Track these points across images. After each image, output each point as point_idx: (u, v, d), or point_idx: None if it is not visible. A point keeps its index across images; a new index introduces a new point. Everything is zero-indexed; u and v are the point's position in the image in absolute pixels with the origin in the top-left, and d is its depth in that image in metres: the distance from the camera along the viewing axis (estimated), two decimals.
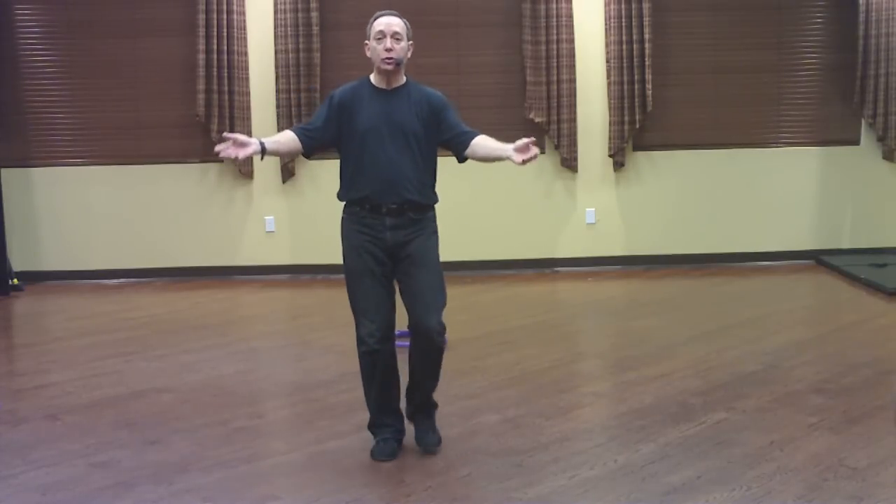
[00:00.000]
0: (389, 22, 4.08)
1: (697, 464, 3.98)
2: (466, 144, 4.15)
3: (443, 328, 4.09)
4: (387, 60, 4.06)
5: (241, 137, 3.96)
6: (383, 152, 4.07)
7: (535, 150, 3.94)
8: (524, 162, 3.95)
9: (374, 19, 4.13)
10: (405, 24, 4.13)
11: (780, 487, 3.72)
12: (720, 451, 4.12)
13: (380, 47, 4.05)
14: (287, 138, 4.16)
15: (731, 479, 3.81)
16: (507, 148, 4.03)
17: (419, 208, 4.12)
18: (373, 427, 4.25)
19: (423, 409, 4.30)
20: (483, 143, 4.14)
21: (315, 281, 8.35)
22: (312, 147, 4.21)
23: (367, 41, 4.14)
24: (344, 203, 4.21)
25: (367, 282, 4.08)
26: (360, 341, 4.10)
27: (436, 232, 4.21)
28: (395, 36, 4.05)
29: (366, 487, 3.85)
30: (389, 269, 4.13)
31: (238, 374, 5.58)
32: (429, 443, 4.23)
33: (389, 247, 4.10)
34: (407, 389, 4.29)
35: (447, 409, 4.68)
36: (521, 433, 4.41)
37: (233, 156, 3.92)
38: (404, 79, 4.19)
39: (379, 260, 4.10)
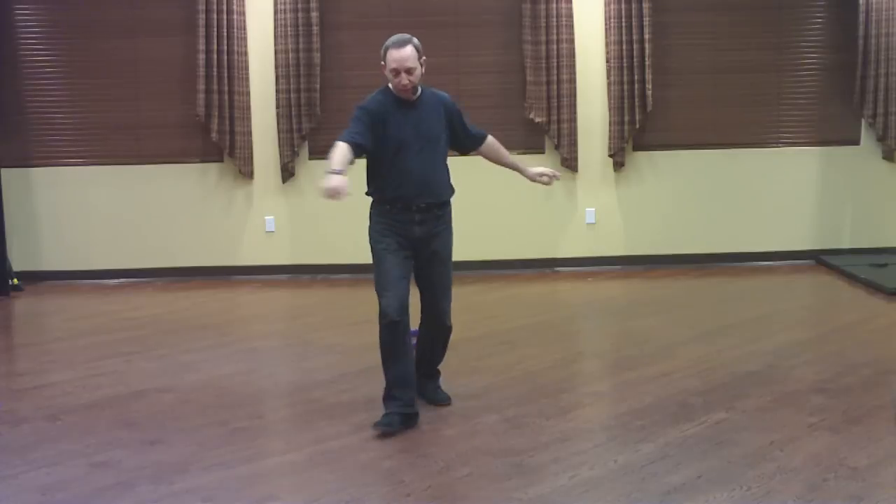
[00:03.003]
0: (402, 58, 4.40)
1: (697, 464, 3.98)
2: (479, 144, 4.87)
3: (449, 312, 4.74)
4: (404, 91, 4.48)
5: (332, 186, 4.08)
6: (415, 160, 4.50)
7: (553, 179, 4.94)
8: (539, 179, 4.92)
9: (387, 50, 4.44)
10: (415, 49, 4.45)
11: (780, 487, 3.72)
12: (720, 451, 4.12)
13: (396, 80, 4.44)
14: (345, 152, 4.30)
15: (731, 479, 3.81)
16: (522, 165, 4.92)
17: (443, 204, 4.64)
18: (385, 399, 4.55)
19: (430, 376, 4.87)
20: (496, 148, 4.91)
21: (315, 281, 8.35)
22: (361, 152, 4.50)
23: (383, 62, 4.47)
24: (372, 199, 4.62)
25: (391, 262, 4.50)
26: (383, 314, 4.43)
27: (450, 223, 4.73)
28: (409, 71, 4.42)
29: (366, 487, 3.85)
30: (411, 254, 4.57)
31: (238, 374, 5.58)
32: (440, 398, 4.81)
33: (416, 238, 4.56)
34: (416, 363, 4.74)
35: (447, 408, 4.69)
36: (521, 433, 4.41)
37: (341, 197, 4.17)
38: (420, 88, 4.59)
39: (403, 246, 4.54)
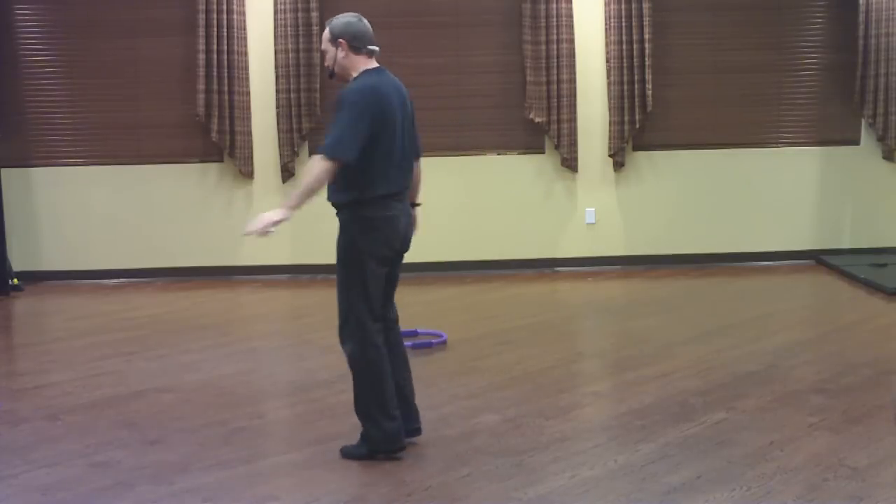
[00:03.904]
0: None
1: (697, 464, 3.98)
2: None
3: (344, 343, 4.23)
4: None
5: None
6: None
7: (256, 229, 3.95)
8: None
9: None
10: (329, 31, 4.06)
11: (780, 487, 3.72)
12: (720, 451, 4.12)
13: None
14: None
15: (731, 479, 3.81)
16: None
17: (335, 207, 4.14)
18: None
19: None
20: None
21: (315, 281, 8.34)
22: None
23: None
24: None
25: None
26: None
27: (345, 232, 4.12)
28: (321, 53, 4.19)
29: (366, 487, 3.85)
30: None
31: (238, 374, 5.58)
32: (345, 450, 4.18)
33: None
34: None
35: (447, 409, 4.70)
36: (521, 433, 4.41)
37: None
38: (350, 78, 4.09)
39: None
